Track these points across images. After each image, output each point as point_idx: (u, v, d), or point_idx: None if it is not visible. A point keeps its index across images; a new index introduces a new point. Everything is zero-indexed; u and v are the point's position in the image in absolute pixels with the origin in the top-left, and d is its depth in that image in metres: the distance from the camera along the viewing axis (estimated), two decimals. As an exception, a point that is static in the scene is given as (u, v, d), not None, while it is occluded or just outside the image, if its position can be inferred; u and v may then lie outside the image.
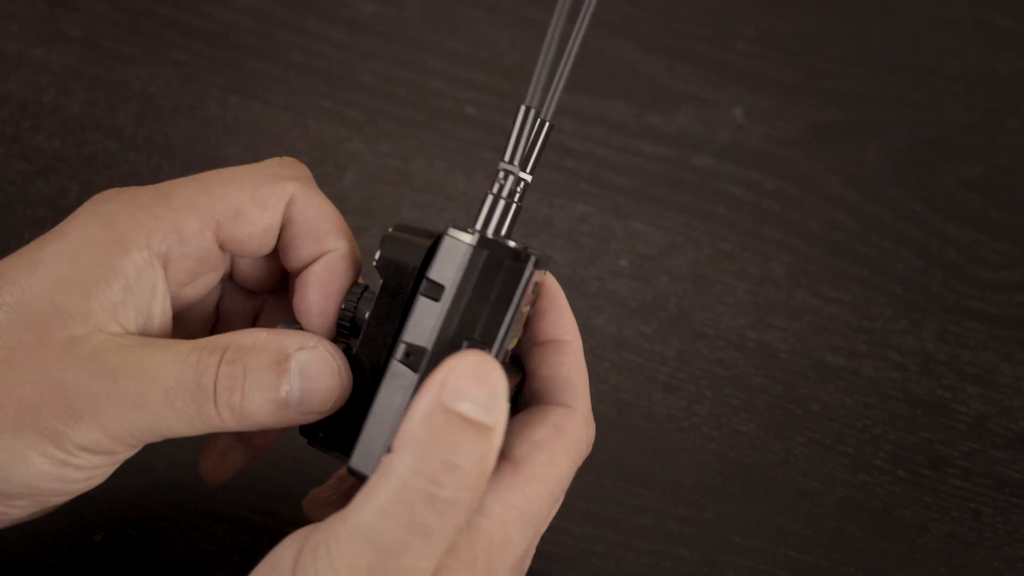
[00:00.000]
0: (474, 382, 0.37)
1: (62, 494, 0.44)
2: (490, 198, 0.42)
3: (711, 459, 0.58)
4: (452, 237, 0.41)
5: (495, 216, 0.42)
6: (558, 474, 0.44)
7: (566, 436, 0.44)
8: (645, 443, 0.58)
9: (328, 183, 0.66)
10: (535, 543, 0.46)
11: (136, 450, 0.43)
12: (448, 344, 0.41)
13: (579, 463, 0.45)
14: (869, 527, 0.57)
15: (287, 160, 0.47)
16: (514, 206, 0.42)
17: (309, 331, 0.45)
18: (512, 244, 0.41)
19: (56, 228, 0.44)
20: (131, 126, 0.66)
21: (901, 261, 0.67)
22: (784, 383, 0.61)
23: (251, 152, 0.66)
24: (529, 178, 0.42)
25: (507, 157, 0.42)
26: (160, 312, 0.44)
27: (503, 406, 0.38)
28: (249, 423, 0.42)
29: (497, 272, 0.41)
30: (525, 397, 0.47)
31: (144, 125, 0.67)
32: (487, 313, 0.41)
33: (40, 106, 0.67)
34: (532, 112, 0.43)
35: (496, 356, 0.41)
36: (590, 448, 0.46)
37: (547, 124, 0.43)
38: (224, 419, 0.42)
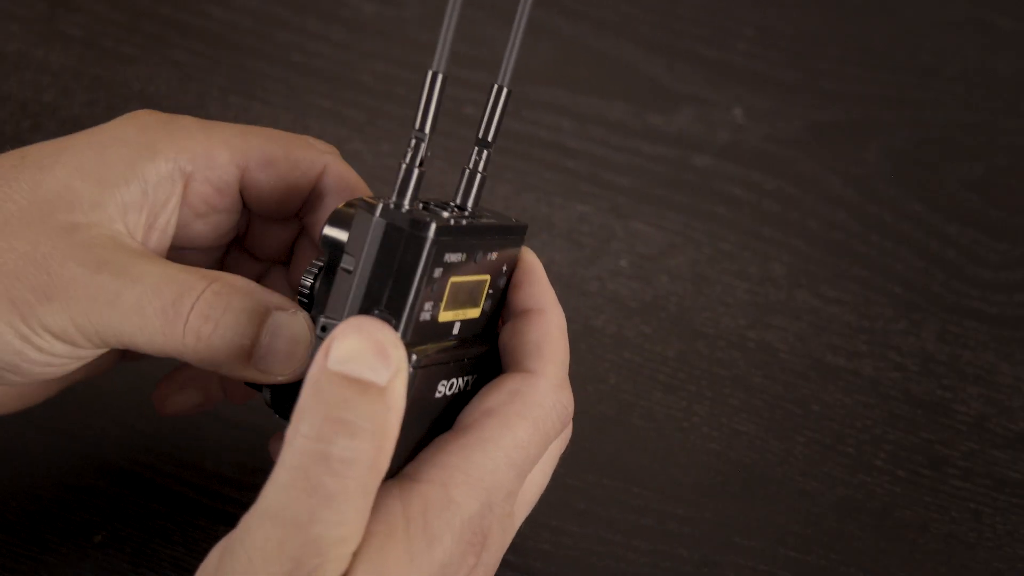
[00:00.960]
0: (356, 344, 0.37)
1: (17, 371, 0.43)
2: (402, 168, 0.42)
3: (711, 459, 0.58)
4: (360, 210, 0.41)
5: (409, 186, 0.42)
6: (514, 439, 0.43)
7: (523, 400, 0.43)
8: (645, 443, 0.58)
9: (328, 183, 0.66)
10: (509, 517, 0.44)
11: (97, 353, 0.43)
12: (357, 315, 0.41)
13: (551, 432, 0.44)
14: (869, 527, 0.57)
15: (321, 142, 0.48)
16: (415, 171, 0.42)
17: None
18: (417, 214, 0.41)
19: (94, 127, 0.45)
20: (131, 126, 0.67)
21: (901, 261, 0.67)
22: (784, 383, 0.61)
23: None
24: (424, 136, 0.42)
25: (416, 124, 0.42)
26: (163, 227, 0.45)
27: (395, 365, 0.37)
28: (207, 358, 0.42)
29: (398, 242, 0.41)
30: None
31: (144, 125, 0.67)
32: (392, 283, 0.41)
33: (40, 106, 0.67)
34: (437, 76, 0.43)
35: (403, 325, 0.41)
36: (566, 416, 0.45)
37: (440, 76, 0.42)
38: (187, 344, 0.42)
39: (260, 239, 0.49)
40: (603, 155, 0.69)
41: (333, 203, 0.46)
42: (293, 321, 0.43)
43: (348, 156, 0.67)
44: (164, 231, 0.45)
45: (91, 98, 0.67)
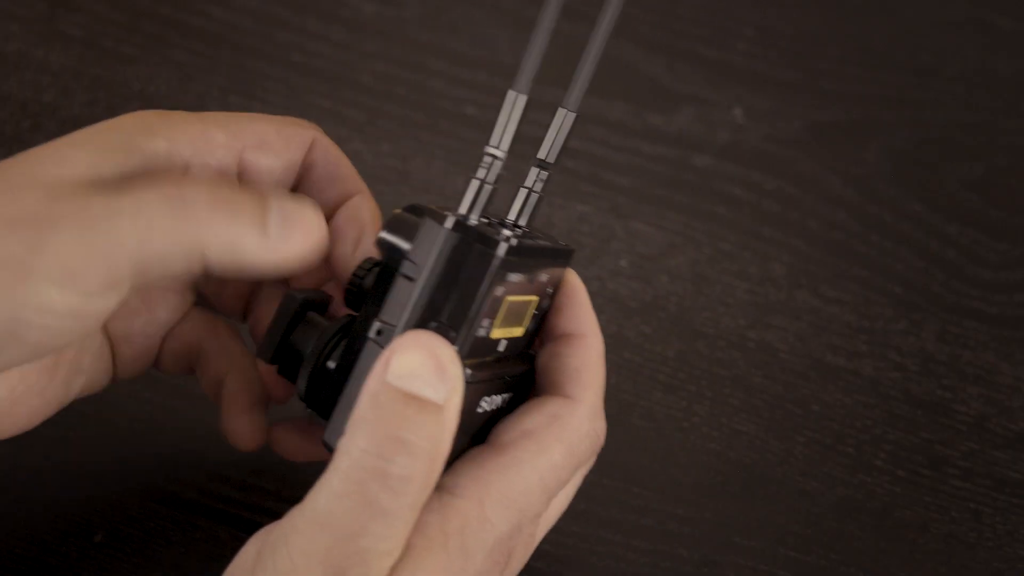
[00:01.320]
0: (417, 360, 0.37)
1: (25, 341, 0.39)
2: (475, 183, 0.42)
3: (711, 459, 0.58)
4: (431, 219, 0.41)
5: (479, 201, 0.42)
6: (550, 462, 0.43)
7: (561, 425, 0.44)
8: (645, 443, 0.58)
9: (328, 183, 0.66)
10: (531, 537, 0.45)
11: (110, 296, 0.39)
12: (416, 325, 0.41)
13: (583, 458, 0.45)
14: (869, 527, 0.57)
15: (304, 120, 0.48)
16: (488, 187, 0.42)
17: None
18: (486, 230, 0.41)
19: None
20: (131, 126, 0.67)
21: (901, 261, 0.67)
22: (784, 383, 0.61)
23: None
24: (501, 155, 0.42)
25: (492, 141, 0.42)
26: None
27: (452, 384, 0.37)
28: (225, 239, 0.40)
29: (467, 256, 0.41)
30: (537, 393, 0.47)
31: (144, 125, 0.67)
32: (455, 297, 0.41)
33: (40, 106, 0.67)
34: (518, 96, 0.43)
35: (461, 340, 0.41)
36: (598, 445, 0.45)
37: (523, 99, 0.42)
38: (203, 226, 0.39)
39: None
40: (603, 155, 0.69)
41: (325, 175, 0.47)
42: (293, 200, 0.41)
43: (348, 156, 0.67)
44: None
45: (91, 98, 0.67)
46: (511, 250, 0.41)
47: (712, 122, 0.71)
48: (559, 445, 0.43)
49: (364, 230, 0.47)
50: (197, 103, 0.68)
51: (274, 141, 0.46)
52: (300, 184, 0.47)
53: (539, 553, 0.54)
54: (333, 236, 0.47)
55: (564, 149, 0.45)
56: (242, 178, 0.46)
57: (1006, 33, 0.78)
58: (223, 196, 0.40)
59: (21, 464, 0.53)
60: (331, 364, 0.44)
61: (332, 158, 0.47)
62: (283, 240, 0.41)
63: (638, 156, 0.69)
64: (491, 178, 0.42)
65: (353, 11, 0.73)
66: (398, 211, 0.43)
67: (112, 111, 0.67)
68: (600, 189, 0.68)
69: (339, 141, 0.67)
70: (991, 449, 0.60)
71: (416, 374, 0.37)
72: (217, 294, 0.50)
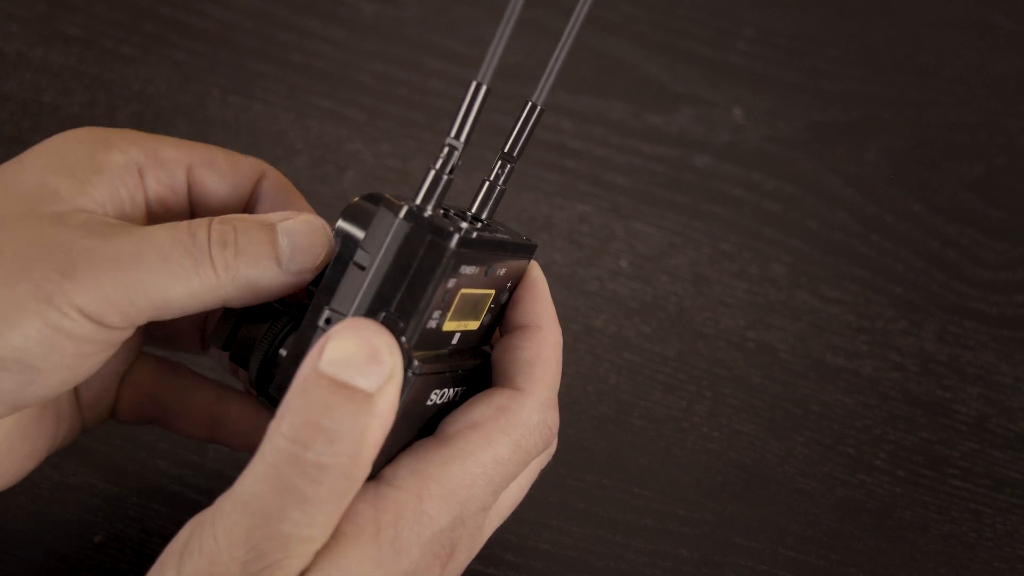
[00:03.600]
0: (351, 347, 0.37)
1: (46, 370, 0.41)
2: (431, 173, 0.41)
3: (711, 459, 0.58)
4: (385, 209, 0.41)
5: (436, 191, 0.41)
6: (494, 455, 0.42)
7: (508, 417, 0.43)
8: (645, 443, 0.58)
9: (328, 183, 0.66)
10: (478, 529, 0.44)
11: (131, 329, 0.42)
12: (365, 314, 0.41)
13: (533, 451, 0.44)
14: (869, 527, 0.57)
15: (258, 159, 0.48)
16: (444, 178, 0.41)
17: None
18: (440, 221, 0.41)
19: (40, 143, 0.44)
20: (131, 126, 0.66)
21: (901, 261, 0.67)
22: (784, 383, 0.61)
23: (251, 152, 0.66)
24: (460, 146, 0.42)
25: (452, 132, 0.42)
26: (138, 219, 0.44)
27: (386, 373, 0.37)
28: (241, 281, 0.42)
29: (419, 247, 0.40)
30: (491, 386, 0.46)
31: (144, 125, 0.67)
32: (406, 287, 0.40)
33: (40, 106, 0.67)
34: (480, 87, 0.42)
35: (411, 331, 0.41)
36: (549, 437, 0.45)
37: (483, 89, 0.42)
38: (219, 273, 0.41)
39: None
40: (603, 155, 0.69)
41: (271, 206, 0.46)
42: (298, 220, 0.43)
43: (348, 156, 0.67)
44: (140, 221, 0.44)
45: (91, 98, 0.67)
46: (463, 242, 0.40)
47: (712, 122, 0.71)
48: (505, 437, 0.43)
49: (312, 250, 0.47)
50: (196, 103, 0.68)
51: (222, 163, 0.46)
52: (249, 206, 0.47)
53: (539, 553, 0.54)
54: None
55: (529, 143, 0.45)
56: (191, 195, 0.46)
57: (1006, 33, 0.78)
58: (229, 238, 0.42)
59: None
60: (283, 352, 0.43)
61: (282, 188, 0.47)
62: (295, 266, 0.42)
63: (638, 156, 0.69)
64: (448, 169, 0.41)
65: (353, 11, 0.73)
66: (356, 200, 0.43)
67: (112, 111, 0.67)
68: (600, 189, 0.68)
69: (339, 141, 0.68)
70: (991, 449, 0.60)
71: (348, 361, 0.37)
72: (170, 333, 0.50)
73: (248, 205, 0.47)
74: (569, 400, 0.59)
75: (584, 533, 0.55)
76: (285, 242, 0.42)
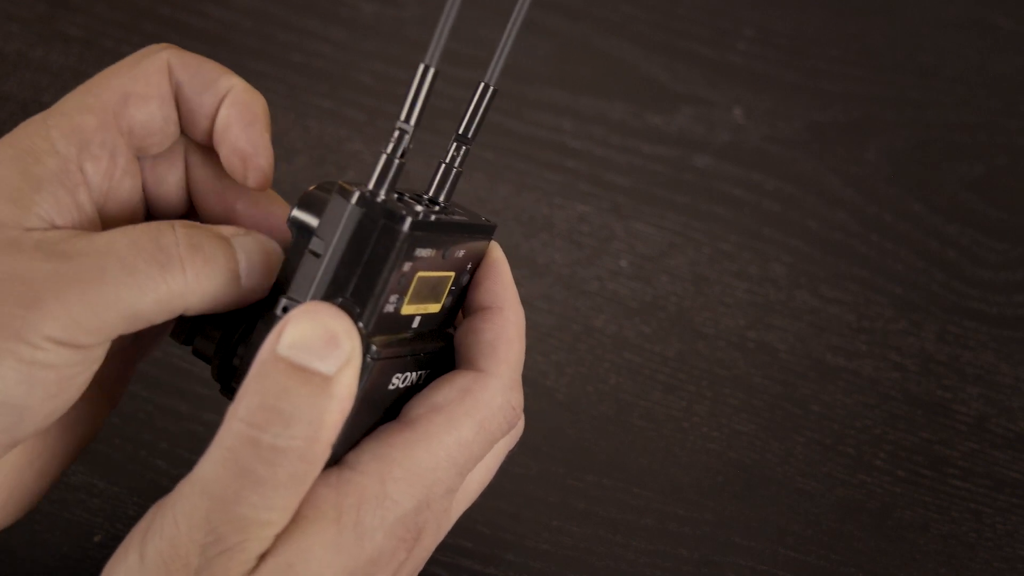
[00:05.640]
0: (308, 330, 0.37)
1: (30, 407, 0.40)
2: (383, 157, 0.41)
3: (711, 459, 0.58)
4: (338, 195, 0.41)
5: (388, 176, 0.41)
6: (458, 438, 0.42)
7: (471, 399, 0.43)
8: (645, 443, 0.58)
9: (328, 183, 0.66)
10: (445, 512, 0.44)
11: (105, 345, 0.41)
12: (321, 300, 0.40)
13: (497, 433, 0.44)
14: (869, 527, 0.57)
15: (154, 45, 0.46)
16: (395, 162, 0.41)
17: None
18: (393, 205, 0.40)
19: None
20: (131, 126, 0.66)
21: (901, 261, 0.67)
22: (784, 383, 0.61)
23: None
24: (410, 129, 0.41)
25: (402, 115, 0.42)
26: (90, 223, 0.43)
27: (344, 357, 0.37)
28: (207, 291, 0.41)
29: (373, 232, 0.40)
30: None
31: (144, 125, 0.67)
32: (361, 273, 0.40)
33: (40, 106, 0.67)
34: (428, 70, 0.42)
35: (367, 316, 0.40)
36: (513, 418, 0.44)
37: (431, 71, 0.42)
38: (189, 280, 0.40)
39: (158, 188, 0.47)
40: (603, 155, 0.69)
41: (195, 86, 0.45)
42: (250, 239, 0.42)
43: (348, 156, 0.67)
44: (92, 224, 0.43)
45: (91, 98, 0.67)
46: (416, 224, 0.40)
47: (712, 122, 0.71)
48: (468, 420, 0.43)
49: (255, 115, 0.45)
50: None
51: (135, 89, 0.44)
52: (180, 103, 0.45)
53: (539, 553, 0.54)
54: (220, 138, 0.45)
55: (484, 124, 0.45)
56: (132, 140, 0.44)
57: (1006, 33, 0.78)
58: (200, 244, 0.41)
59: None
60: (241, 345, 0.43)
61: (192, 67, 0.45)
62: (250, 282, 0.42)
63: (638, 156, 0.69)
64: (400, 153, 0.41)
65: (353, 11, 0.73)
66: (310, 188, 0.43)
67: (112, 111, 0.67)
68: (600, 189, 0.68)
69: (339, 141, 0.68)
70: (991, 449, 0.60)
71: (305, 345, 0.37)
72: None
73: (175, 98, 0.45)
74: (569, 400, 0.59)
75: (584, 533, 0.55)
76: (243, 257, 0.42)
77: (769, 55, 0.75)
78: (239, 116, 0.45)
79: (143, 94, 0.44)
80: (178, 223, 0.41)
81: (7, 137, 0.43)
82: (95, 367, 0.42)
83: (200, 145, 0.46)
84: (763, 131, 0.71)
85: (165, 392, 0.56)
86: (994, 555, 0.57)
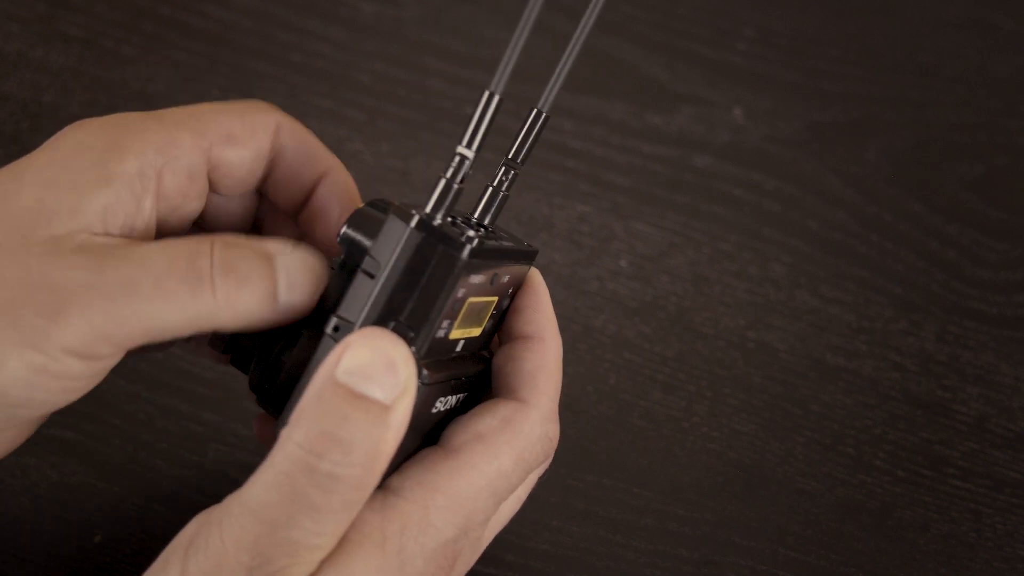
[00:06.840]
0: (368, 357, 0.37)
1: (29, 406, 0.41)
2: (442, 182, 0.41)
3: (711, 459, 0.58)
4: (395, 217, 0.41)
5: (446, 201, 0.41)
6: (499, 468, 0.43)
7: (512, 430, 0.43)
8: (645, 443, 0.58)
9: (328, 183, 0.66)
10: (478, 540, 0.44)
11: (119, 356, 0.41)
12: (375, 323, 0.40)
13: (534, 463, 0.44)
14: (869, 527, 0.57)
15: (263, 102, 0.47)
16: (455, 187, 0.41)
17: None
18: (451, 231, 0.40)
19: (45, 143, 0.43)
20: (131, 126, 0.66)
21: (901, 261, 0.67)
22: (784, 383, 0.61)
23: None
24: (471, 155, 0.41)
25: (464, 141, 0.42)
26: (144, 227, 0.43)
27: (402, 386, 0.37)
28: (241, 312, 0.41)
29: (430, 256, 0.40)
30: (492, 394, 0.46)
31: (144, 125, 0.67)
32: (416, 297, 0.40)
33: (40, 106, 0.67)
34: (493, 96, 0.42)
35: (420, 341, 0.40)
36: (550, 449, 0.45)
37: (496, 98, 0.41)
38: (219, 303, 0.40)
39: (223, 216, 0.47)
40: (603, 155, 0.69)
41: (297, 157, 0.46)
42: (296, 256, 0.42)
43: (348, 156, 0.67)
44: (146, 230, 0.43)
45: (91, 98, 0.67)
46: (474, 252, 0.40)
47: (712, 122, 0.71)
48: (510, 450, 0.43)
49: (344, 206, 0.46)
50: (196, 103, 0.68)
51: (240, 132, 0.45)
52: (273, 169, 0.47)
53: (539, 553, 0.54)
54: (315, 215, 0.46)
55: (533, 149, 0.44)
56: (213, 174, 0.45)
57: (1006, 33, 0.78)
58: (234, 266, 0.41)
59: (20, 464, 0.53)
60: (285, 357, 0.43)
61: (300, 139, 0.46)
62: (291, 300, 0.42)
63: (638, 156, 0.69)
64: (459, 178, 0.41)
65: (353, 11, 0.73)
66: (362, 206, 0.43)
67: (112, 111, 0.67)
68: (600, 189, 0.68)
69: (339, 141, 0.68)
70: (991, 449, 0.60)
71: (365, 372, 0.37)
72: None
73: (270, 161, 0.46)
74: (569, 400, 0.59)
75: (584, 533, 0.55)
76: (283, 278, 0.42)
77: (769, 55, 0.75)
78: (338, 200, 0.46)
79: (245, 142, 0.45)
80: (218, 241, 0.41)
81: (105, 120, 0.44)
82: (104, 374, 0.42)
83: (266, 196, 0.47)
84: (763, 131, 0.71)
85: (165, 392, 0.56)
86: (994, 555, 0.57)
